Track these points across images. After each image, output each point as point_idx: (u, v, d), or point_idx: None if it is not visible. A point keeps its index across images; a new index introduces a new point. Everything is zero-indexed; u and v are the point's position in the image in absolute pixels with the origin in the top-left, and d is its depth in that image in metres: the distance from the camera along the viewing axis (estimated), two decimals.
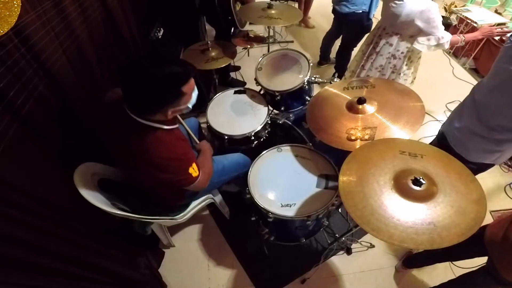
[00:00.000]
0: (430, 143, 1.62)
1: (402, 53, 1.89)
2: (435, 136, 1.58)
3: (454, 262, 1.59)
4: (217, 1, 2.28)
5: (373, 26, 2.16)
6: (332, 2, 2.45)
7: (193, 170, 1.12)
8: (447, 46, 1.73)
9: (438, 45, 1.73)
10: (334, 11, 2.50)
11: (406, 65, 1.95)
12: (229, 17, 2.42)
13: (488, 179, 2.14)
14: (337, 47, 2.75)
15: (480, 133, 1.20)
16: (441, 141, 1.44)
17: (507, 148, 1.19)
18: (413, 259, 1.59)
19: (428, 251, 1.47)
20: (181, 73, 0.97)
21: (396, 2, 1.70)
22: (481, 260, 1.20)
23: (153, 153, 1.01)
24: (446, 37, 1.70)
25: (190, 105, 1.08)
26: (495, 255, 1.08)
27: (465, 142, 1.29)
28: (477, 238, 1.12)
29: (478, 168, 1.31)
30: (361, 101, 1.31)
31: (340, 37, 2.69)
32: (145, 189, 1.31)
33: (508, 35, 1.10)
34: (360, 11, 2.26)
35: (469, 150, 1.28)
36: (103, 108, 1.17)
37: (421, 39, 1.74)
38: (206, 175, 1.25)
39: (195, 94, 1.08)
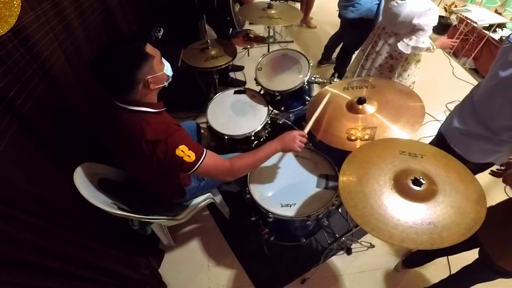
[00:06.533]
0: (430, 143, 1.63)
1: (399, 53, 1.86)
2: (434, 136, 1.58)
3: (455, 263, 1.58)
4: (216, 2, 2.28)
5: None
6: (338, 8, 2.44)
7: (183, 154, 1.00)
8: (423, 51, 1.74)
9: (416, 48, 1.71)
10: (340, 16, 2.50)
11: (402, 66, 1.94)
12: (228, 18, 2.42)
13: (488, 179, 2.12)
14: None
15: (482, 134, 1.20)
16: (441, 142, 1.43)
17: (507, 148, 1.19)
18: (412, 258, 1.59)
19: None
20: (135, 35, 0.97)
21: (398, 1, 1.69)
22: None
23: (142, 134, 0.98)
24: (426, 43, 1.70)
25: (167, 73, 1.08)
26: (487, 244, 1.07)
27: (467, 143, 1.28)
28: None
29: (478, 168, 1.31)
30: (361, 101, 1.31)
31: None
32: (146, 183, 1.31)
33: (507, 34, 1.12)
34: (366, 17, 2.25)
35: (470, 151, 1.27)
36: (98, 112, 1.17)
37: (406, 39, 1.73)
38: (222, 163, 1.10)
39: (167, 63, 1.09)
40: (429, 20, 1.64)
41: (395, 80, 1.99)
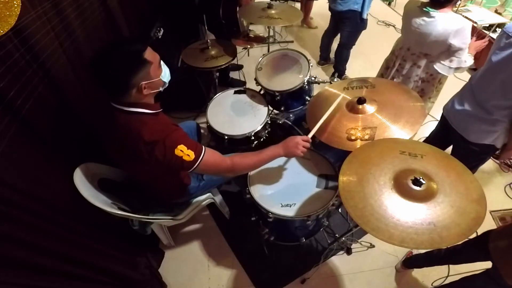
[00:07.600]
0: (434, 129, 1.71)
1: (431, 75, 1.73)
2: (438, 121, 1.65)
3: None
4: (222, 13, 2.29)
5: (375, 30, 2.14)
6: (328, 1, 2.50)
7: (183, 153, 1.01)
8: (465, 70, 1.65)
9: (459, 68, 1.61)
10: (330, 9, 2.56)
11: (436, 87, 1.81)
12: (234, 28, 2.43)
13: (488, 179, 2.14)
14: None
15: (478, 115, 1.30)
16: (443, 124, 1.52)
17: (501, 128, 1.28)
18: (413, 260, 1.59)
19: (429, 254, 1.47)
20: (135, 39, 0.96)
21: (425, 19, 1.55)
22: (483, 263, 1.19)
23: (139, 136, 0.98)
24: (469, 61, 1.59)
25: (164, 79, 1.07)
26: (500, 262, 1.07)
27: (465, 123, 1.38)
28: (482, 244, 1.13)
29: (482, 151, 1.38)
30: (361, 101, 1.31)
31: (339, 36, 2.70)
32: (146, 184, 1.30)
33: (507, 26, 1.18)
34: (353, 9, 2.31)
35: (469, 131, 1.37)
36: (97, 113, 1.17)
37: (444, 61, 1.62)
38: (222, 160, 1.12)
39: (165, 68, 1.08)
40: (466, 38, 1.53)
41: (426, 105, 1.86)
